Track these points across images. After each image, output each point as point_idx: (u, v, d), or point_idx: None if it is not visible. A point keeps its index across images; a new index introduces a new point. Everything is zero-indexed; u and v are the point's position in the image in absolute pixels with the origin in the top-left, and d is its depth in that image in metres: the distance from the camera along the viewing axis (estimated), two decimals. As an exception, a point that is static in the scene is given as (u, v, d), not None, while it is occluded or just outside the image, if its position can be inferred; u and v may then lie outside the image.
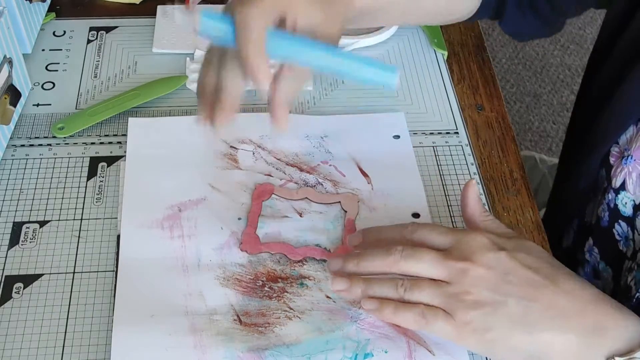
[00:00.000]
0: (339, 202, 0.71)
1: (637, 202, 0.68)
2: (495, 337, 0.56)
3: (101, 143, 0.76)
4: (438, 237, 0.60)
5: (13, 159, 0.74)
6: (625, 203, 0.69)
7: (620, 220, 0.71)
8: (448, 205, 0.72)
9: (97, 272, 0.65)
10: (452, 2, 0.78)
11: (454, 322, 0.56)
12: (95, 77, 0.83)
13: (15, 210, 0.69)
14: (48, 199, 0.70)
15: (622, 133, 0.70)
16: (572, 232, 0.84)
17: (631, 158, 0.68)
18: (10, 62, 0.73)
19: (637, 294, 0.66)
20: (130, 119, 0.77)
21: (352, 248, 0.65)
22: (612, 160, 0.71)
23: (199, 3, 0.91)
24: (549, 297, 0.56)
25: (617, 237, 0.72)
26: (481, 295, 0.56)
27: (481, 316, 0.56)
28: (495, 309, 0.56)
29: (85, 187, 0.72)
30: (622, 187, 0.69)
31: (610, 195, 0.71)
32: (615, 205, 0.71)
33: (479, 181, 0.74)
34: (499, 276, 0.57)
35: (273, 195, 0.71)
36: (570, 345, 0.55)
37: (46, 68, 0.83)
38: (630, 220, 0.70)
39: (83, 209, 0.70)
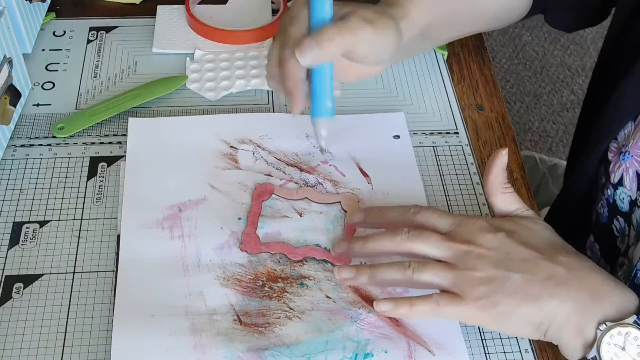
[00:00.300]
0: (339, 202, 0.71)
1: (633, 198, 0.69)
2: (504, 310, 0.58)
3: (101, 143, 0.76)
4: (439, 219, 0.63)
5: (13, 159, 0.74)
6: (623, 199, 0.70)
7: (618, 216, 0.72)
8: (448, 206, 0.72)
9: (97, 272, 0.65)
10: (512, 1, 0.80)
11: (464, 302, 0.59)
12: (95, 77, 0.83)
13: (15, 210, 0.69)
14: (48, 199, 0.70)
15: (621, 129, 0.71)
16: (577, 231, 0.84)
17: (629, 154, 0.69)
18: (10, 62, 0.73)
19: None
20: (130, 119, 0.77)
21: (354, 225, 0.68)
22: (610, 156, 0.72)
23: (199, 3, 0.91)
24: (549, 269, 0.59)
25: (616, 234, 0.73)
26: (486, 272, 0.59)
27: (488, 291, 0.58)
28: (501, 284, 0.59)
29: (85, 187, 0.72)
30: (620, 182, 0.70)
31: (610, 191, 0.72)
32: (614, 200, 0.71)
33: (478, 181, 0.74)
34: (500, 254, 0.60)
35: (273, 195, 0.71)
36: (570, 312, 0.58)
37: (46, 68, 0.83)
38: (627, 216, 0.70)
39: (83, 209, 0.70)
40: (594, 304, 0.58)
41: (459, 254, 0.60)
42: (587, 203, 0.80)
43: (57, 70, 0.83)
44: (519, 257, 0.60)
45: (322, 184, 0.72)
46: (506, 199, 0.64)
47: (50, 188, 0.71)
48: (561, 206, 0.88)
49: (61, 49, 0.86)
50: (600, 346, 0.57)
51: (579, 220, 0.83)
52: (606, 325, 0.57)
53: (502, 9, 0.80)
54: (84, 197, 0.71)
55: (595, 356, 0.57)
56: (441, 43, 0.82)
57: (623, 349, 0.57)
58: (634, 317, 0.57)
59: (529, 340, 0.63)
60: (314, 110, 0.67)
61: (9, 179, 0.72)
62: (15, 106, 0.74)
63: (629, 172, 0.69)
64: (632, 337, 0.56)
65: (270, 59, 0.67)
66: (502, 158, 0.64)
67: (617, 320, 0.57)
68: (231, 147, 0.75)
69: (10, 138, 0.75)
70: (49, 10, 0.87)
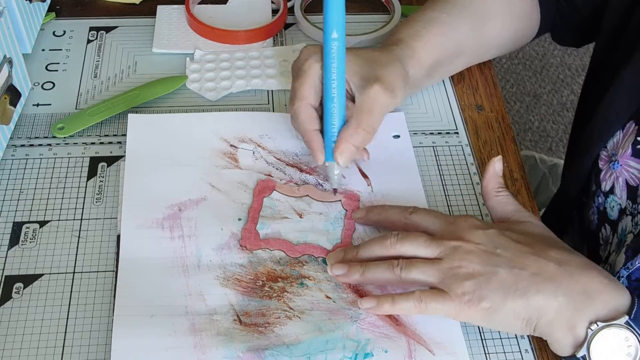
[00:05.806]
0: (340, 200, 0.71)
1: (623, 207, 0.69)
2: (490, 305, 0.58)
3: (101, 143, 0.76)
4: (433, 219, 0.64)
5: (13, 159, 0.74)
6: (613, 207, 0.70)
7: (606, 224, 0.72)
8: (448, 206, 0.72)
9: (97, 272, 0.65)
10: (519, 30, 0.82)
11: (450, 298, 0.59)
12: (95, 77, 0.83)
13: (15, 210, 0.69)
14: (48, 199, 0.70)
15: (610, 137, 0.71)
16: (571, 237, 0.84)
17: (618, 164, 0.69)
18: (10, 62, 0.73)
19: None
20: (129, 115, 0.76)
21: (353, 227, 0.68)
22: (601, 164, 0.72)
23: (199, 3, 0.91)
24: (538, 265, 0.59)
25: (601, 242, 0.73)
26: (473, 268, 0.59)
27: (474, 286, 0.58)
28: (487, 279, 0.58)
29: (85, 187, 0.72)
30: (611, 191, 0.70)
31: (600, 199, 0.72)
32: (605, 208, 0.71)
33: (478, 181, 0.74)
34: (488, 250, 0.60)
35: (273, 195, 0.71)
36: (561, 307, 0.57)
37: (46, 68, 0.83)
38: (614, 224, 0.70)
39: (83, 209, 0.70)
40: (585, 301, 0.57)
41: (447, 251, 0.60)
42: (580, 210, 0.80)
43: (57, 70, 0.83)
44: (507, 252, 0.60)
45: (322, 185, 0.72)
46: (500, 201, 0.65)
47: (50, 188, 0.71)
48: (555, 208, 0.88)
49: (61, 49, 0.86)
50: (590, 346, 0.56)
51: (577, 228, 0.83)
52: (597, 325, 0.56)
53: (510, 38, 0.81)
54: (84, 197, 0.71)
55: (584, 355, 0.57)
56: (446, 77, 0.83)
57: (613, 349, 0.56)
58: (626, 318, 0.56)
59: (529, 340, 0.63)
60: (327, 154, 0.69)
61: (9, 179, 0.72)
62: (15, 106, 0.74)
63: (619, 181, 0.69)
64: (622, 338, 0.56)
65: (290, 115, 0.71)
66: (494, 164, 0.65)
67: (609, 319, 0.57)
68: (231, 145, 0.75)
69: (10, 138, 0.75)
70: (49, 10, 0.87)
